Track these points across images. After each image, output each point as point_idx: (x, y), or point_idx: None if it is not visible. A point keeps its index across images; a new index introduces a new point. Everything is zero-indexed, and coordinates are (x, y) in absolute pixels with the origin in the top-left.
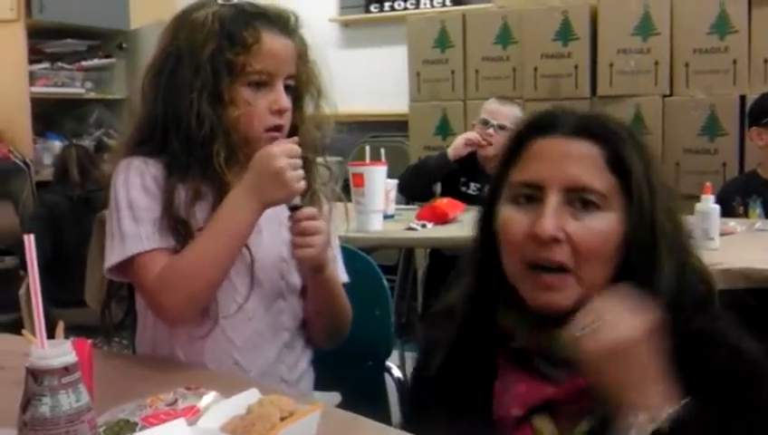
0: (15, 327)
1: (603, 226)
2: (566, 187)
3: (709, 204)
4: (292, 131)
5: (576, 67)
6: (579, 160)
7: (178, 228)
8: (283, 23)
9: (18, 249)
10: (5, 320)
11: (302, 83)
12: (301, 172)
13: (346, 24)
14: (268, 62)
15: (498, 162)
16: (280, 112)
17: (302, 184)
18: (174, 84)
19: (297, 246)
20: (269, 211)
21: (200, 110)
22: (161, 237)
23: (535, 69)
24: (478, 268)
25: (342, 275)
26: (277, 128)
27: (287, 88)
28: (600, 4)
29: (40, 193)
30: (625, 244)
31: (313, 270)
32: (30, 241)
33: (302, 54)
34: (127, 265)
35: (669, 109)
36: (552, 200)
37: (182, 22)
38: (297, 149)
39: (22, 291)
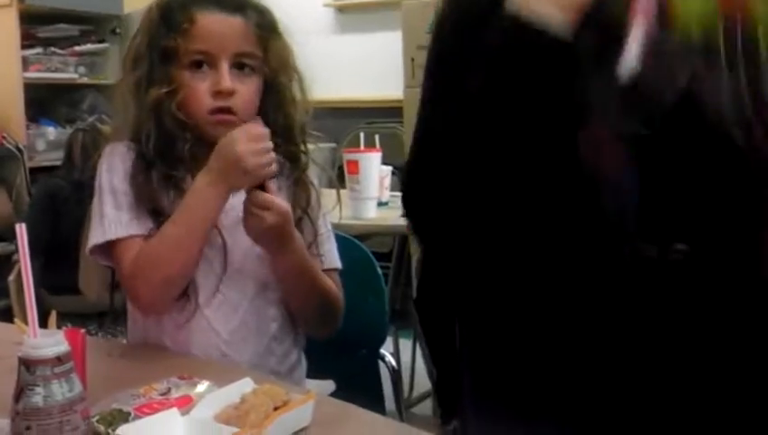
0: (5, 315)
1: None
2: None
3: None
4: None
5: None
6: None
7: (156, 216)
8: (230, 3)
9: (12, 235)
10: (4, 306)
11: (269, 63)
12: (270, 157)
13: (340, 9)
14: (205, 43)
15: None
16: (221, 94)
17: (272, 168)
18: (132, 76)
19: (246, 216)
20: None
21: (151, 99)
22: (139, 224)
23: None
24: None
25: (335, 262)
26: (222, 110)
27: (242, 67)
28: None
29: (42, 177)
30: None
31: (268, 249)
32: (22, 230)
33: (262, 31)
34: (108, 249)
35: None
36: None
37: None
38: (262, 132)
39: (11, 277)
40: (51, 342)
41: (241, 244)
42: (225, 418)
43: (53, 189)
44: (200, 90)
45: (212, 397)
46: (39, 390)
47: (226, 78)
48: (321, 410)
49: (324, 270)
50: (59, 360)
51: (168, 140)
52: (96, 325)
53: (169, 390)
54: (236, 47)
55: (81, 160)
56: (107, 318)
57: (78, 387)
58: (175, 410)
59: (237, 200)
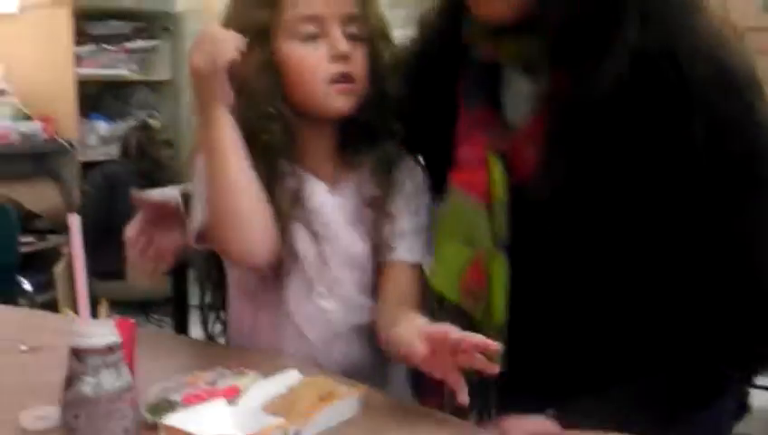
0: (51, 307)
1: None
2: None
3: None
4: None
5: None
6: None
7: None
8: None
9: (62, 228)
10: (43, 299)
11: (371, 27)
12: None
13: None
14: (309, 6)
15: None
16: (339, 58)
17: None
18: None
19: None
20: (345, 206)
21: (252, 86)
22: None
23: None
24: None
25: (412, 255)
26: (344, 77)
27: (352, 37)
28: None
29: (98, 167)
30: None
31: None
32: (75, 220)
33: (369, 9)
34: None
35: None
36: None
37: None
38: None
39: (59, 268)
40: (102, 331)
41: (339, 251)
42: (272, 408)
43: (111, 174)
44: (314, 58)
45: (258, 387)
46: (88, 379)
47: (342, 39)
48: (373, 404)
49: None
50: (109, 349)
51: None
52: (143, 315)
53: (216, 380)
54: (344, 8)
55: (138, 155)
56: (153, 307)
57: (127, 377)
58: (222, 399)
59: (332, 207)
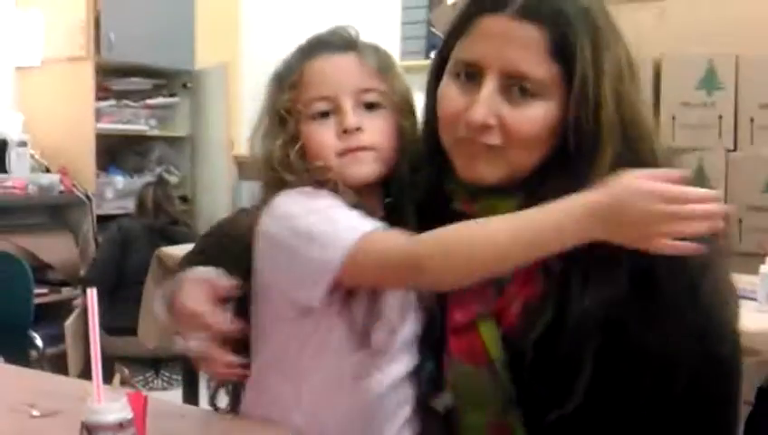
0: (61, 359)
1: (539, 113)
2: (505, 72)
3: None
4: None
5: None
6: (521, 46)
7: None
8: (334, 42)
9: (75, 280)
10: (53, 352)
11: (393, 101)
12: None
13: (407, 70)
14: (320, 88)
15: (446, 33)
16: (347, 132)
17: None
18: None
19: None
20: None
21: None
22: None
23: None
24: (425, 134)
25: None
26: (351, 150)
27: (369, 106)
28: (664, 58)
29: (117, 219)
30: (562, 130)
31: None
32: (92, 295)
33: (380, 66)
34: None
35: (733, 164)
36: (489, 85)
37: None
38: (680, 193)
39: (68, 322)
40: (114, 408)
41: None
42: None
43: (126, 227)
44: (324, 135)
45: None
46: None
47: (350, 114)
48: None
49: None
50: (121, 426)
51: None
52: (153, 372)
53: None
54: (356, 83)
55: (153, 210)
56: (163, 365)
57: None
58: None
59: None
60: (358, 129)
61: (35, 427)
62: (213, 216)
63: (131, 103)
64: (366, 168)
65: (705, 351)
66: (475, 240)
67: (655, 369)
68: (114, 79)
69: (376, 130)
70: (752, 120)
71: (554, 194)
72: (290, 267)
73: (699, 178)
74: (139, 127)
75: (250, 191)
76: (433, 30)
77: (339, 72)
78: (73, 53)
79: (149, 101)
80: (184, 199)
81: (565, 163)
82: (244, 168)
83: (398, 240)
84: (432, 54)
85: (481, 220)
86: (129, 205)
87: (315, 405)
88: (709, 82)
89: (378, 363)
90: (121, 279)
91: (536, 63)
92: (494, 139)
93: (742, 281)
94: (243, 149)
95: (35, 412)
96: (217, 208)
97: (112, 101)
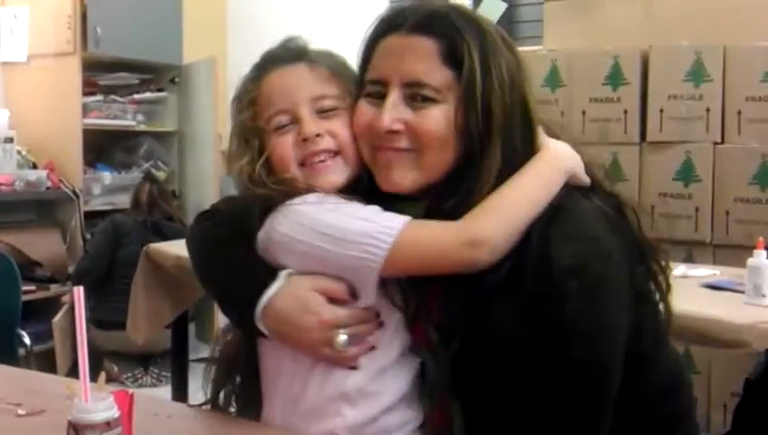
0: (50, 357)
1: (439, 115)
2: (405, 82)
3: (762, 259)
4: None
5: (625, 112)
6: (416, 56)
7: None
8: (284, 55)
9: (63, 277)
10: (44, 349)
11: (347, 101)
12: None
13: None
14: (276, 102)
15: (358, 68)
16: (306, 141)
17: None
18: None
19: None
20: None
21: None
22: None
23: (583, 112)
24: None
25: None
26: (316, 154)
27: (328, 111)
28: (652, 50)
29: (112, 215)
30: (464, 132)
31: None
32: (79, 293)
33: (333, 70)
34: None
35: (720, 156)
36: (392, 96)
37: None
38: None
39: (56, 319)
40: (101, 407)
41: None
42: None
43: (119, 221)
44: (285, 146)
45: None
46: None
47: (308, 122)
48: None
49: None
50: (108, 425)
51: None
52: (142, 369)
53: None
54: (310, 92)
55: (148, 205)
56: (152, 361)
57: None
58: None
59: None
60: (318, 135)
61: (21, 426)
62: (201, 210)
63: (118, 98)
64: (334, 176)
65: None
66: (513, 201)
67: (511, 361)
68: (101, 74)
69: (336, 134)
70: (739, 112)
71: (451, 194)
72: (325, 272)
73: (614, 173)
74: (127, 122)
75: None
76: None
77: (292, 84)
78: (60, 49)
79: (137, 96)
80: (172, 194)
81: (462, 166)
82: None
83: (442, 227)
84: None
85: (497, 192)
86: (117, 201)
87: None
88: (697, 74)
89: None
90: (112, 272)
91: (431, 71)
92: (404, 142)
93: (729, 273)
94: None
95: (21, 411)
96: (206, 203)
97: (99, 97)
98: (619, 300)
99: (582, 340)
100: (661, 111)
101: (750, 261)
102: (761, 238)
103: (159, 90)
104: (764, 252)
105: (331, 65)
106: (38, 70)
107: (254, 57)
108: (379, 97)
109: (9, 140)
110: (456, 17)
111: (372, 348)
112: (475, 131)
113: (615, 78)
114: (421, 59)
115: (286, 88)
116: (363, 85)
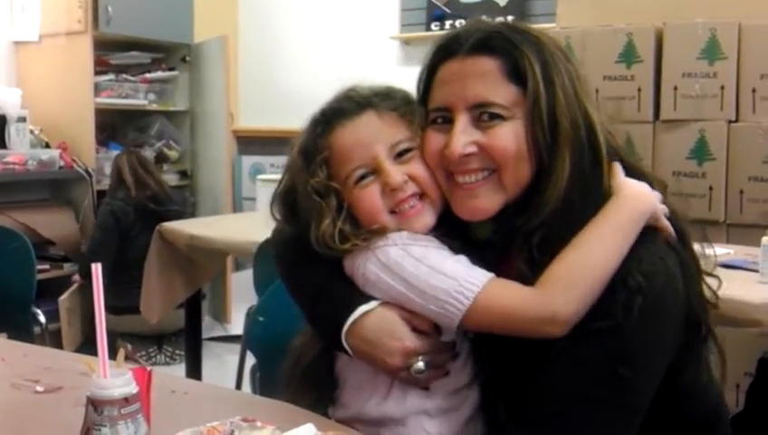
0: (59, 336)
1: (510, 131)
2: (470, 105)
3: None
4: None
5: (639, 90)
6: (478, 77)
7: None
8: (349, 107)
9: (77, 256)
10: (57, 328)
11: (418, 139)
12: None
13: (407, 42)
14: (352, 158)
15: (418, 95)
16: (394, 191)
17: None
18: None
19: None
20: None
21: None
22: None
23: (597, 90)
24: None
25: None
26: (402, 201)
27: (404, 153)
28: (666, 27)
29: (104, 201)
30: (535, 146)
31: None
32: (97, 269)
33: (400, 111)
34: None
35: (734, 135)
36: (461, 120)
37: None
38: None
39: (62, 298)
40: (119, 382)
41: None
42: None
43: (120, 214)
44: (373, 198)
45: None
46: (105, 430)
47: (392, 173)
48: None
49: None
50: (126, 401)
51: None
52: (156, 347)
53: (233, 432)
54: (386, 139)
55: (134, 182)
56: (166, 340)
57: (143, 427)
58: None
59: None
60: (405, 182)
61: (39, 402)
62: (212, 189)
63: (130, 78)
64: (426, 218)
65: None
66: (587, 272)
67: None
68: (112, 53)
69: (417, 176)
70: (754, 90)
71: (522, 210)
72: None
73: (628, 151)
74: (138, 101)
75: (249, 164)
76: (433, 1)
77: (365, 136)
78: (71, 28)
79: (148, 75)
80: (184, 174)
81: (534, 182)
82: (243, 141)
83: (521, 294)
84: (433, 26)
85: (575, 247)
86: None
87: None
88: (711, 51)
89: None
90: (121, 263)
91: (496, 89)
92: (478, 163)
93: (742, 252)
94: (242, 122)
95: (39, 388)
96: (217, 182)
97: (111, 76)
98: (674, 322)
99: (632, 360)
100: (675, 88)
101: (764, 240)
102: None
103: (171, 69)
104: None
105: (396, 107)
106: (50, 49)
107: (265, 36)
108: (445, 123)
109: (22, 119)
110: (511, 33)
111: (446, 374)
112: (543, 145)
113: (629, 55)
114: (484, 79)
115: (361, 141)
116: (428, 115)
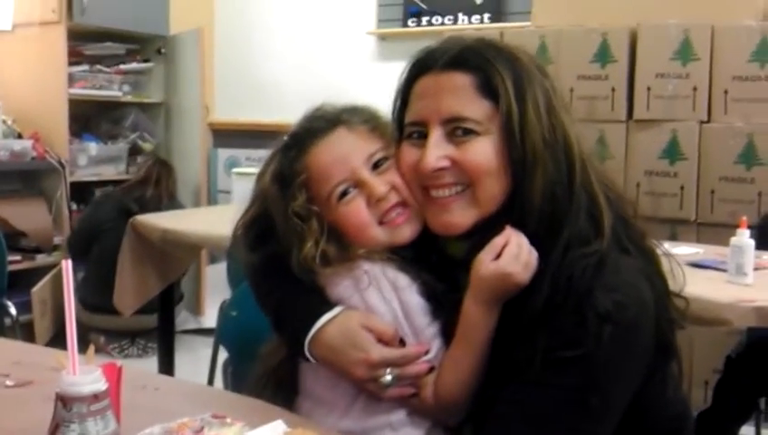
0: (32, 327)
1: (483, 146)
2: (444, 119)
3: (744, 238)
4: None
5: (613, 89)
6: (452, 92)
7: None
8: (319, 126)
9: (48, 247)
10: (28, 319)
11: (391, 150)
12: (525, 253)
13: (383, 38)
14: (331, 175)
15: (393, 112)
16: (380, 201)
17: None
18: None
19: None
20: None
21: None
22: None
23: (571, 90)
24: None
25: None
26: (389, 211)
27: (379, 164)
28: (640, 28)
29: (114, 192)
30: (509, 162)
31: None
32: (68, 265)
33: (369, 125)
34: None
35: (706, 135)
36: (434, 135)
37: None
38: (500, 242)
39: (35, 289)
40: (89, 379)
41: None
42: None
43: (97, 219)
44: (359, 211)
45: None
46: (74, 427)
47: (375, 184)
48: None
49: None
50: (95, 397)
51: None
52: (129, 341)
53: (203, 428)
54: (361, 153)
55: (154, 183)
56: (139, 333)
57: (113, 424)
58: None
59: None
60: (388, 191)
61: (9, 397)
62: (188, 182)
63: (104, 69)
64: (413, 225)
65: None
66: (457, 381)
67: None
68: (87, 43)
69: (397, 184)
70: (726, 91)
71: (498, 228)
72: None
73: (601, 151)
74: (113, 93)
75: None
76: None
77: (341, 152)
78: (45, 17)
79: (123, 67)
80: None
81: (509, 199)
82: (218, 134)
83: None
84: (409, 22)
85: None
86: (103, 171)
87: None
88: (684, 53)
89: None
90: (99, 260)
91: (469, 104)
92: (453, 177)
93: (712, 252)
94: (217, 115)
95: (9, 382)
96: (192, 175)
97: (85, 66)
98: (644, 351)
99: (602, 389)
100: (648, 89)
101: (733, 240)
102: (744, 217)
103: (146, 60)
104: (747, 231)
105: (366, 120)
106: (23, 39)
107: (242, 29)
108: (421, 137)
109: None
110: (485, 49)
111: (415, 395)
112: (517, 161)
113: (603, 55)
114: (457, 94)
115: (337, 157)
116: (403, 129)
